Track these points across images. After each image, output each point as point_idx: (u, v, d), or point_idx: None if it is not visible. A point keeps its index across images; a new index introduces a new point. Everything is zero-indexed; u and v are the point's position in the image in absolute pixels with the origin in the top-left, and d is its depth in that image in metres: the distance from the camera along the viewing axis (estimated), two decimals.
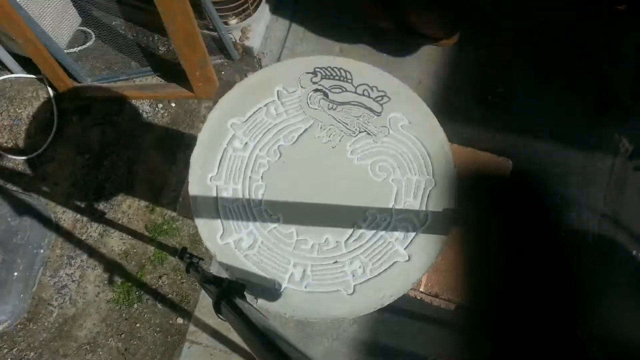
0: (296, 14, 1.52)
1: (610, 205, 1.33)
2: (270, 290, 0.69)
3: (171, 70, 1.47)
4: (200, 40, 1.21)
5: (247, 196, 0.73)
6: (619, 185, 1.34)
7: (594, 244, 1.31)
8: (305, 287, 0.69)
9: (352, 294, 0.69)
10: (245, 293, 0.66)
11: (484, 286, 0.78)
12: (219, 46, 1.42)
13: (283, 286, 0.69)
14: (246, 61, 1.48)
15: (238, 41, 1.42)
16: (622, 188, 1.34)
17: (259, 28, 1.44)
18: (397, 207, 0.72)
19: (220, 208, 0.72)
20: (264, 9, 1.43)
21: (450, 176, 0.72)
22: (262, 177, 0.73)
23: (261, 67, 1.50)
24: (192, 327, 1.31)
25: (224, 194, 0.73)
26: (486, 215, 0.73)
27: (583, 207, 1.32)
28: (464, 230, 0.73)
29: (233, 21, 1.36)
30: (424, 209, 0.72)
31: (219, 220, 0.71)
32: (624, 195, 1.34)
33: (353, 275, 0.69)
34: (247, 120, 0.75)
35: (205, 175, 0.73)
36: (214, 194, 0.73)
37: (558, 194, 1.32)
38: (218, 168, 0.73)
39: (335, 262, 0.70)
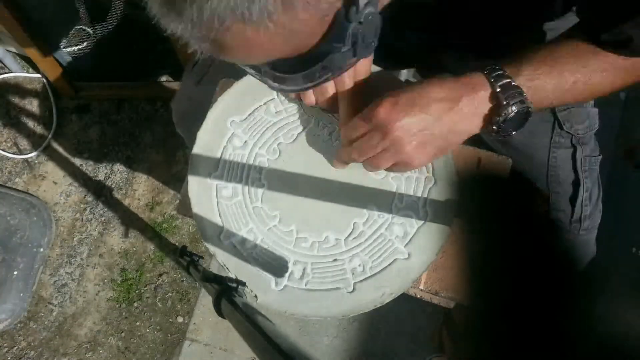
0: None
1: (609, 203, 1.33)
2: (270, 288, 0.69)
3: (171, 69, 1.47)
4: None
5: (246, 194, 0.72)
6: (618, 184, 1.34)
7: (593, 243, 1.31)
8: (305, 285, 0.69)
9: (352, 291, 0.69)
10: (245, 291, 0.66)
11: (484, 284, 0.78)
12: None
13: (283, 284, 0.69)
14: None
15: None
16: (622, 186, 1.34)
17: None
18: (396, 205, 0.72)
19: (219, 206, 0.72)
20: None
21: (450, 174, 0.72)
22: (261, 175, 0.73)
23: None
24: (192, 326, 1.31)
25: (224, 192, 0.72)
26: (486, 213, 0.73)
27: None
28: (464, 228, 0.72)
29: None
30: (423, 207, 0.72)
31: (218, 219, 0.71)
32: (624, 194, 1.34)
33: (353, 273, 0.69)
34: (246, 118, 0.75)
35: (204, 174, 0.73)
36: (214, 192, 0.72)
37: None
38: (217, 166, 0.73)
39: (335, 259, 0.70)
